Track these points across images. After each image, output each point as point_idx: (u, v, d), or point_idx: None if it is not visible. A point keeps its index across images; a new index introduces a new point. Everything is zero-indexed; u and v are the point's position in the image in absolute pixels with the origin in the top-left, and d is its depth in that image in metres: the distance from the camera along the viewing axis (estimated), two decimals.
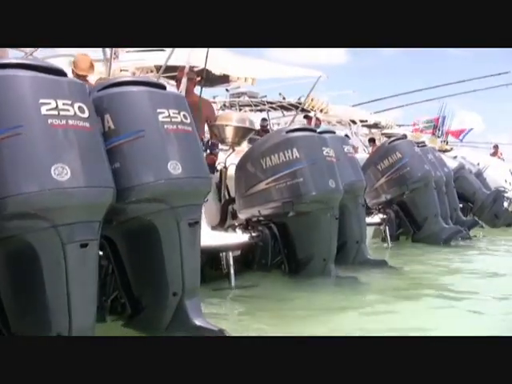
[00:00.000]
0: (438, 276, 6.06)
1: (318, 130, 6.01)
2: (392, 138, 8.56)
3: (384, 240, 7.90)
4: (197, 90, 6.77)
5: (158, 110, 3.38)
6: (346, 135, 14.33)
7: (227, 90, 11.19)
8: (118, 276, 3.59)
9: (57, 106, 2.79)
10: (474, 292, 5.19)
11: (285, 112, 11.81)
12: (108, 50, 6.90)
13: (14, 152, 2.66)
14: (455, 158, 11.50)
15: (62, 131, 2.78)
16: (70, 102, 2.85)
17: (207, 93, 10.53)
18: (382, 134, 14.46)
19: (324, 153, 5.39)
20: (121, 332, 3.54)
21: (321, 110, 11.24)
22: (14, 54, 6.82)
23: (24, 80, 2.80)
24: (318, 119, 10.53)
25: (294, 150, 5.28)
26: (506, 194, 11.26)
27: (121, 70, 8.54)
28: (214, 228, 5.79)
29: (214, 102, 11.28)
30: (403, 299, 4.93)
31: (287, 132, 5.48)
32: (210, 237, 5.22)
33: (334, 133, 6.72)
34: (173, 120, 3.41)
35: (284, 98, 11.37)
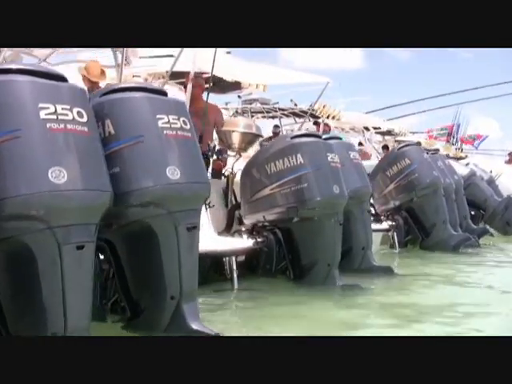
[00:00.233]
0: (443, 284, 5.99)
1: (324, 137, 6.04)
2: (401, 145, 8.55)
3: (392, 247, 7.90)
4: (205, 95, 6.81)
5: (158, 116, 3.44)
6: (360, 142, 14.42)
7: (239, 96, 11.24)
8: (118, 279, 3.64)
9: (55, 110, 2.85)
10: (479, 302, 5.09)
11: (297, 119, 11.83)
12: (119, 55, 6.97)
13: (12, 155, 2.72)
14: (467, 165, 11.44)
15: (60, 135, 2.84)
16: (68, 107, 2.91)
17: (220, 99, 10.64)
18: (396, 141, 14.44)
19: (329, 158, 5.42)
20: (120, 334, 3.56)
21: (333, 117, 11.27)
22: (27, 60, 6.95)
23: (24, 85, 2.86)
24: (326, 125, 10.54)
25: (299, 155, 5.32)
26: None
27: (133, 76, 8.63)
28: (220, 233, 5.85)
29: (227, 109, 11.35)
30: (405, 307, 4.88)
31: (292, 138, 5.52)
32: (214, 242, 5.28)
33: (341, 139, 6.75)
34: (172, 126, 3.46)
35: (296, 105, 11.39)
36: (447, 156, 11.06)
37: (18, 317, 2.93)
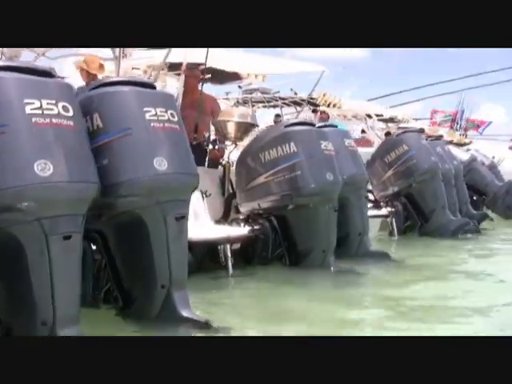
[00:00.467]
0: (439, 270, 6.00)
1: (318, 125, 6.09)
2: (399, 131, 8.58)
3: (391, 233, 7.95)
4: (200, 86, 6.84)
5: (145, 109, 3.52)
6: (363, 130, 14.39)
7: (240, 86, 11.25)
8: (110, 269, 3.73)
9: (41, 105, 2.93)
10: (474, 289, 5.13)
11: (298, 108, 11.82)
12: (117, 49, 7.01)
13: None
14: (468, 150, 11.45)
15: (45, 129, 2.92)
16: (54, 102, 2.99)
17: (220, 90, 10.67)
18: (399, 128, 14.41)
19: (322, 146, 5.49)
20: (114, 324, 3.63)
21: (334, 105, 11.25)
22: (26, 54, 7.02)
23: (9, 82, 2.94)
24: (324, 113, 10.55)
25: (292, 143, 5.40)
26: None
27: (132, 68, 8.67)
28: (217, 222, 5.92)
29: (227, 99, 11.37)
30: (401, 293, 4.91)
31: (285, 126, 5.60)
32: (209, 230, 5.36)
33: (336, 127, 6.79)
34: (159, 118, 3.53)
35: (296, 94, 11.39)
36: (451, 142, 11.06)
37: (7, 305, 3.03)
